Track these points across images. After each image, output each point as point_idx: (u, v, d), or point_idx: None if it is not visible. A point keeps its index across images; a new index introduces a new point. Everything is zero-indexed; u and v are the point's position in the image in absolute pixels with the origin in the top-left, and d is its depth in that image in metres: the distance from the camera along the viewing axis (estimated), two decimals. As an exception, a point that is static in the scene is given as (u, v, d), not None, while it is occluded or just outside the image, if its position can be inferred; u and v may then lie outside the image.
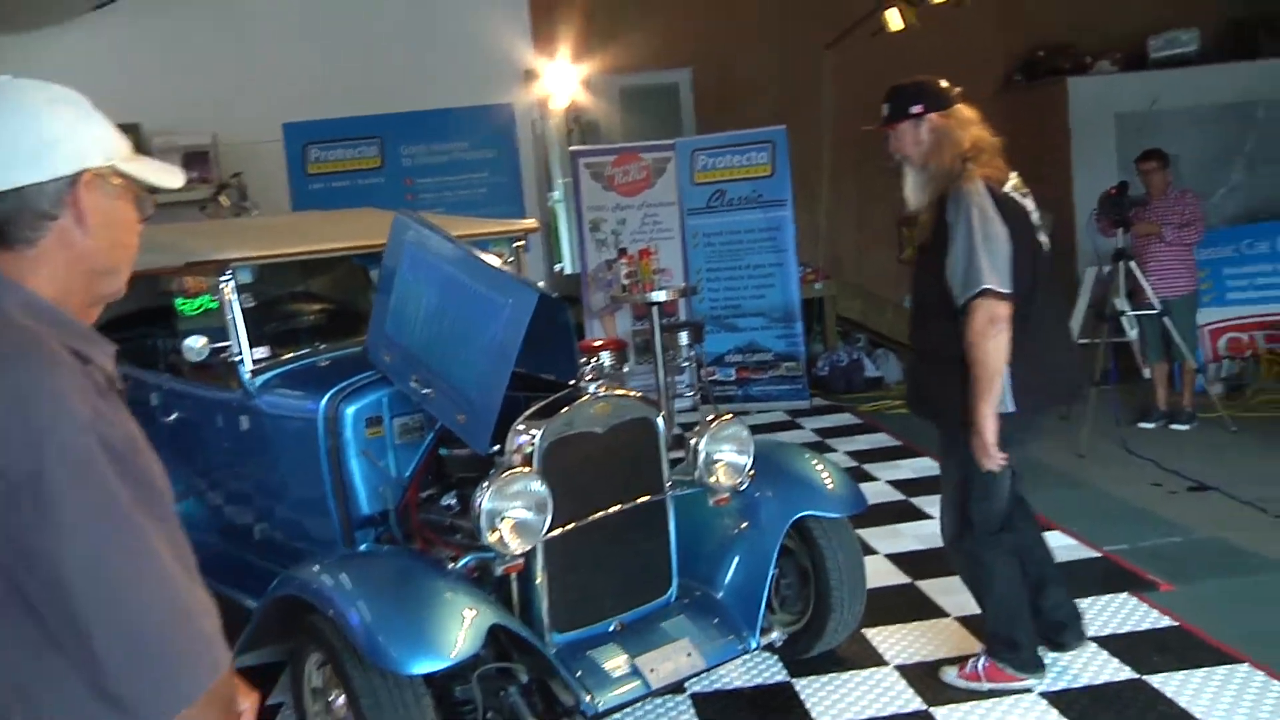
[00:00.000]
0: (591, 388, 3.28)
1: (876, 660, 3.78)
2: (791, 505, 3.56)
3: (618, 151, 8.45)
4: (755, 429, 7.35)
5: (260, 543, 4.09)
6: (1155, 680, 3.47)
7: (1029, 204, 3.32)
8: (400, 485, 3.63)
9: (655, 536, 3.46)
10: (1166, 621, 3.90)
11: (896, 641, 3.92)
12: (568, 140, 9.31)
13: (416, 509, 3.57)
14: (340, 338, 4.21)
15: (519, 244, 4.55)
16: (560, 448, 3.20)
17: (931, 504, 5.01)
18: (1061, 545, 4.75)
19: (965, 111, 3.32)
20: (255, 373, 3.86)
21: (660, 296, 6.99)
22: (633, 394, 3.46)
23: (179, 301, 4.91)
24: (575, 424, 3.24)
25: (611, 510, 3.34)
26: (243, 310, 3.88)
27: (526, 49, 8.61)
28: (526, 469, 3.07)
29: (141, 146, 7.85)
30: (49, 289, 1.31)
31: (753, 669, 3.77)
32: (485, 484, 2.98)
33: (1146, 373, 6.92)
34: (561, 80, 8.89)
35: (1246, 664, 3.54)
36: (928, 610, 4.16)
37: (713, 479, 3.50)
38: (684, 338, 7.29)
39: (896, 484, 5.87)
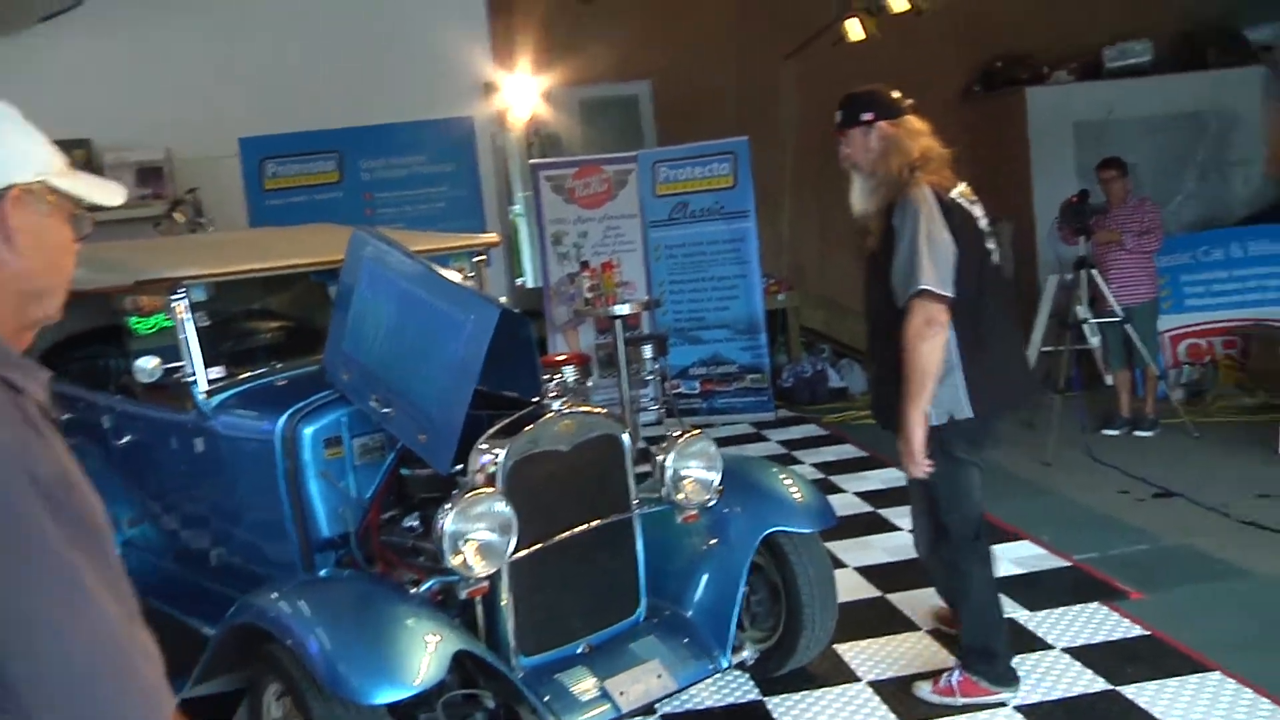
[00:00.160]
0: (556, 405, 3.22)
1: (849, 676, 3.73)
2: (761, 521, 3.51)
3: (579, 164, 8.40)
4: (721, 441, 7.29)
5: (218, 568, 3.97)
6: (1128, 691, 3.44)
7: (977, 211, 3.34)
8: (361, 507, 3.54)
9: (623, 555, 3.39)
10: (1138, 631, 3.88)
11: (869, 657, 3.87)
12: (528, 153, 9.24)
13: (378, 531, 3.48)
14: (299, 356, 4.11)
15: (480, 259, 4.47)
16: (524, 467, 3.13)
17: (900, 515, 4.99)
18: (1031, 555, 4.74)
19: (915, 122, 3.35)
20: (210, 393, 3.75)
21: (623, 310, 6.93)
22: (598, 410, 3.40)
23: (133, 320, 4.79)
24: (540, 442, 3.17)
25: (578, 530, 3.27)
26: (197, 329, 3.78)
27: (485, 61, 8.52)
28: (490, 489, 3.00)
29: (93, 162, 7.71)
30: (-25, 313, 1.23)
31: (724, 688, 3.71)
32: (448, 505, 2.91)
33: (1109, 380, 6.95)
34: (521, 93, 8.82)
35: (1218, 672, 3.52)
36: (899, 624, 4.12)
37: (680, 496, 3.44)
38: (648, 351, 7.23)
39: (864, 495, 5.84)
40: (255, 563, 3.78)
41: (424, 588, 3.02)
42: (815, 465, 6.62)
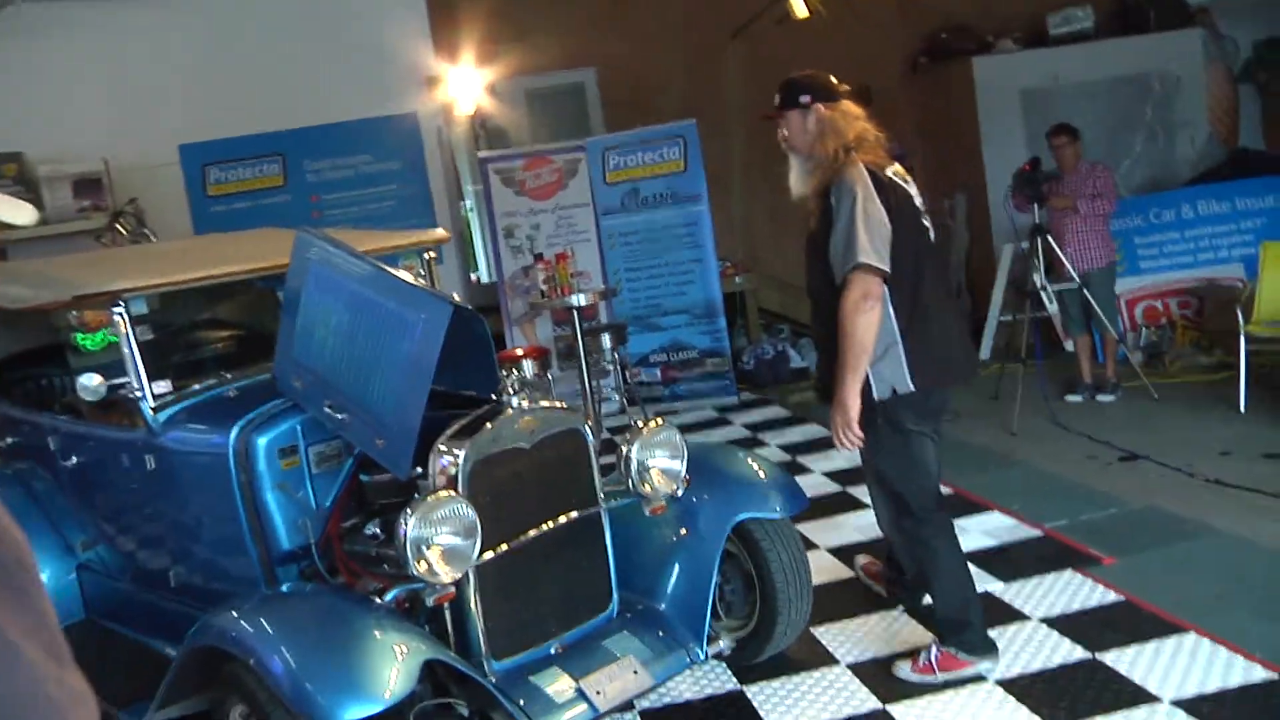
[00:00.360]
0: (514, 401, 3.14)
1: (828, 660, 3.69)
2: (730, 509, 3.45)
3: (527, 155, 8.29)
4: (685, 428, 7.22)
5: (177, 587, 3.87)
6: (1107, 658, 3.43)
7: (912, 189, 3.40)
8: (321, 517, 3.45)
9: (592, 552, 3.33)
10: (1112, 596, 3.87)
11: (846, 638, 3.83)
12: (475, 147, 9.12)
13: (340, 540, 3.39)
14: (250, 365, 3.99)
15: (430, 255, 4.37)
16: (486, 467, 3.05)
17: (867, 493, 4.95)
18: (1001, 525, 4.73)
19: (851, 106, 3.43)
20: (158, 408, 3.63)
21: (579, 300, 6.85)
22: (558, 405, 3.32)
23: (79, 336, 4.65)
24: (500, 441, 3.10)
25: (544, 528, 3.20)
26: (141, 342, 3.65)
27: (428, 55, 8.40)
28: (451, 492, 2.92)
29: (27, 176, 7.51)
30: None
31: (702, 679, 3.65)
32: (408, 511, 2.82)
33: (1069, 346, 6.97)
34: (465, 85, 8.70)
35: (1192, 632, 3.52)
36: (875, 603, 4.08)
37: (647, 488, 3.38)
38: (606, 340, 7.15)
39: (832, 475, 5.80)
40: (216, 580, 3.68)
41: (389, 597, 2.93)
42: (781, 447, 6.59)
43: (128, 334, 3.59)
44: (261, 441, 3.40)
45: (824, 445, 6.47)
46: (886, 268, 3.18)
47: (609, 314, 8.05)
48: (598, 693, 3.03)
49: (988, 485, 5.28)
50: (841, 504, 5.29)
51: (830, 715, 3.33)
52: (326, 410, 3.31)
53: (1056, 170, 6.88)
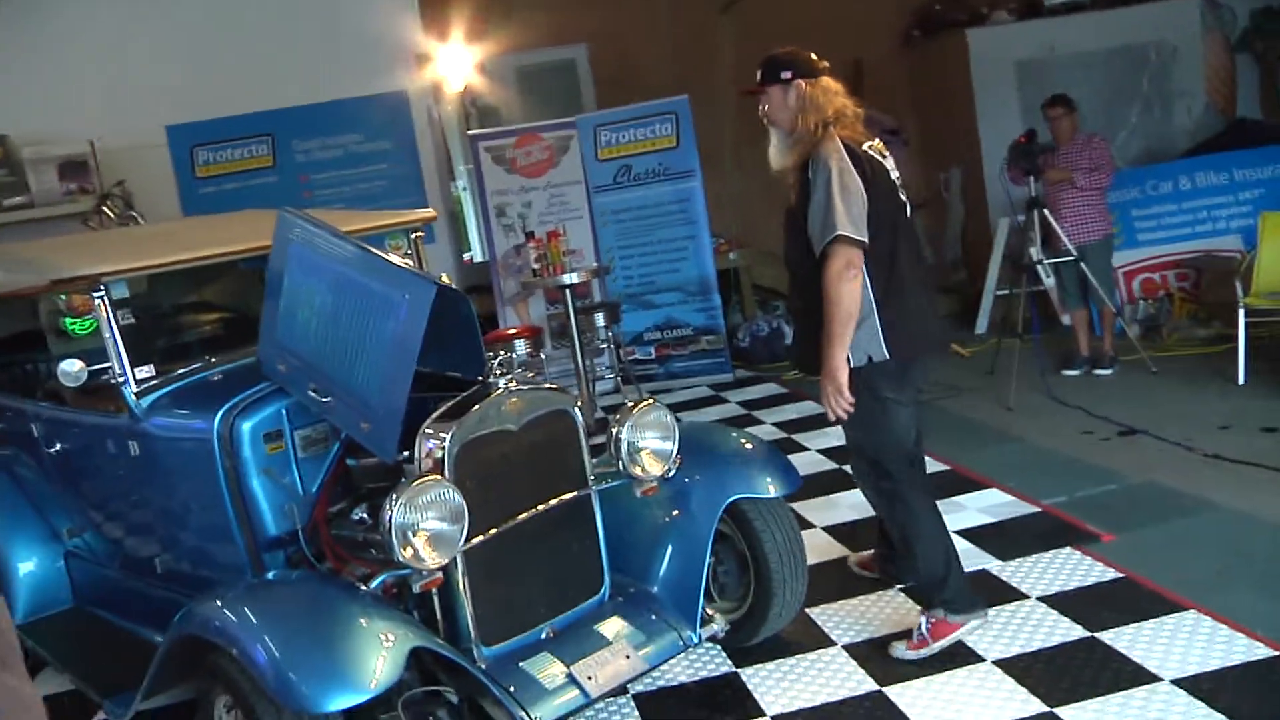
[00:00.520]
0: (501, 383, 3.08)
1: (823, 641, 3.64)
2: (722, 489, 3.39)
3: (518, 133, 8.20)
4: (679, 406, 7.31)
5: (164, 574, 3.82)
6: (1106, 636, 3.38)
7: (889, 163, 3.48)
8: (308, 502, 3.39)
9: (582, 534, 3.27)
10: (1111, 574, 3.82)
11: (842, 619, 3.78)
12: (466, 125, 9.03)
13: (327, 525, 3.34)
14: (236, 348, 3.93)
15: (417, 235, 4.30)
16: (473, 449, 2.99)
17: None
18: (999, 502, 4.68)
19: (831, 82, 3.51)
20: (141, 394, 3.57)
21: (572, 279, 6.78)
22: (546, 385, 3.26)
23: (68, 321, 4.59)
24: (487, 422, 3.03)
25: (534, 511, 3.14)
26: (125, 326, 3.58)
27: (416, 32, 8.29)
28: (438, 476, 2.86)
29: (11, 159, 7.42)
30: None
31: (696, 662, 3.61)
32: (393, 496, 2.76)
33: (1066, 320, 6.92)
34: (455, 62, 8.60)
35: (1193, 610, 3.47)
36: (871, 583, 4.03)
37: (637, 469, 3.32)
38: (600, 319, 7.09)
39: (827, 452, 5.75)
40: (202, 567, 3.63)
41: (375, 583, 2.88)
42: (776, 424, 6.53)
43: (108, 318, 3.53)
44: (246, 426, 3.34)
45: (819, 423, 6.41)
46: (865, 239, 3.27)
47: (602, 292, 7.99)
48: (589, 678, 2.98)
49: (984, 462, 5.23)
50: (837, 482, 5.24)
51: (826, 697, 3.29)
52: (311, 394, 3.25)
53: (1052, 142, 6.80)
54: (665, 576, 3.36)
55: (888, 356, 3.36)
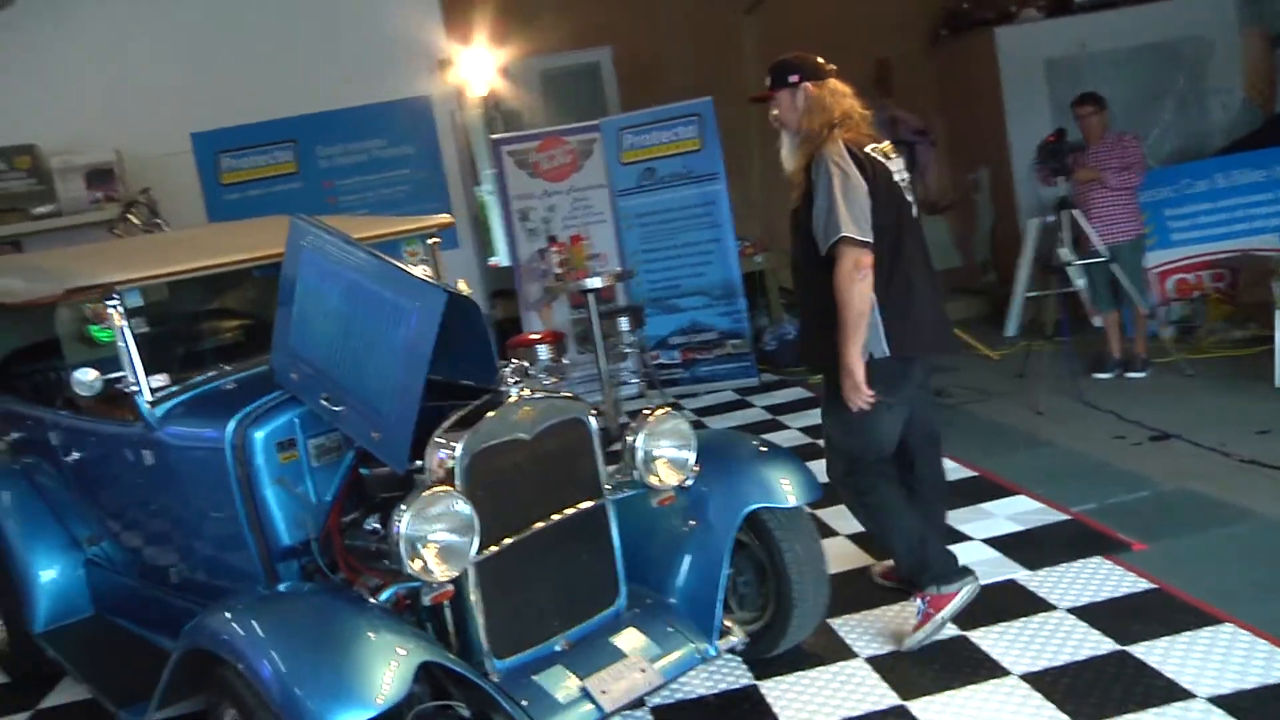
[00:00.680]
0: (513, 391, 3.02)
1: (845, 653, 3.56)
2: (740, 499, 3.32)
3: (541, 136, 8.16)
4: (704, 410, 7.24)
5: (180, 583, 3.80)
6: (1138, 650, 3.28)
7: (893, 165, 3.53)
8: (322, 511, 3.35)
9: (597, 545, 3.21)
10: (1143, 584, 3.72)
11: (865, 630, 3.70)
12: (489, 129, 9.00)
13: (340, 535, 3.30)
14: (257, 355, 3.90)
15: (433, 240, 4.26)
16: (485, 459, 2.94)
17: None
18: (1027, 510, 4.58)
19: (838, 85, 3.61)
20: (155, 402, 3.55)
21: (594, 283, 6.73)
22: (560, 393, 3.20)
23: (93, 329, 4.59)
24: (499, 432, 2.98)
25: (547, 521, 3.08)
26: (141, 334, 3.57)
27: (439, 37, 8.27)
28: (448, 487, 2.80)
29: (40, 168, 7.46)
30: None
31: (715, 673, 3.54)
32: (402, 507, 2.72)
33: (1097, 322, 6.78)
34: (478, 67, 8.57)
35: (1230, 623, 3.36)
36: (895, 592, 3.94)
37: (653, 478, 3.26)
38: (623, 323, 7.03)
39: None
40: (216, 576, 3.60)
41: (385, 596, 2.83)
42: (801, 430, 6.45)
43: (123, 327, 3.51)
44: (259, 435, 3.31)
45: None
46: (868, 239, 3.35)
47: (626, 296, 7.93)
48: (603, 692, 2.92)
49: (1013, 467, 5.13)
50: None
51: (848, 711, 3.21)
52: (323, 403, 3.21)
53: (1082, 141, 6.68)
54: (682, 587, 3.29)
55: (888, 354, 3.45)
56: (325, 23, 8.01)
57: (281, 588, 3.21)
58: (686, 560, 3.31)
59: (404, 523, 2.70)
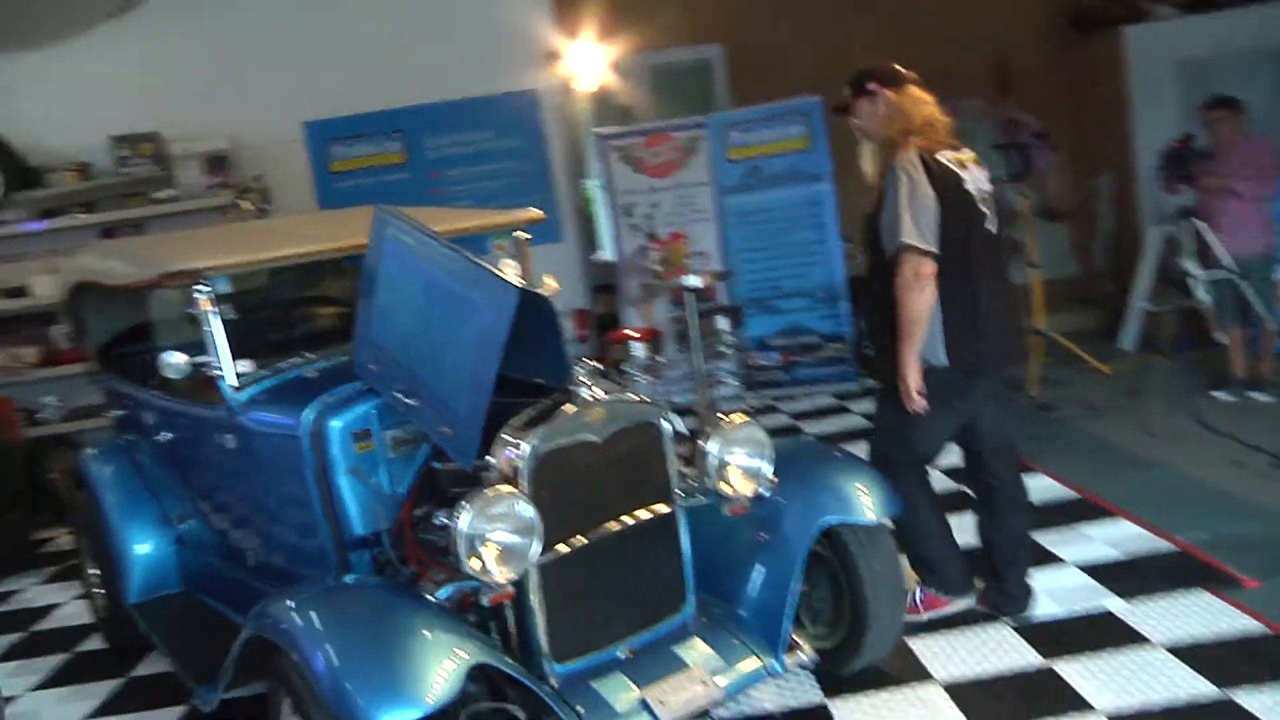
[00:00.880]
0: (584, 391, 2.96)
1: (922, 675, 3.42)
2: (817, 512, 3.20)
3: (648, 132, 8.09)
4: (801, 414, 7.08)
5: (256, 566, 3.86)
6: (1240, 696, 3.06)
7: (969, 175, 3.49)
8: (395, 503, 3.36)
9: (666, 552, 3.13)
10: (1253, 625, 3.47)
11: (942, 652, 3.54)
12: (598, 124, 8.98)
13: (412, 528, 3.29)
14: (341, 344, 3.94)
15: (522, 235, 4.23)
16: (553, 459, 2.88)
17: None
18: (1129, 535, 4.34)
19: (918, 92, 3.60)
20: (239, 387, 3.60)
21: (693, 281, 6.62)
22: (633, 396, 3.12)
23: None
24: (568, 432, 2.92)
25: (615, 526, 3.02)
26: (230, 320, 3.62)
27: (548, 30, 8.28)
28: (510, 487, 2.76)
29: (161, 154, 7.71)
30: None
31: (784, 688, 3.43)
32: (463, 504, 2.68)
33: (1220, 338, 6.41)
34: (587, 61, 8.55)
35: (1348, 673, 3.12)
36: (980, 616, 3.78)
37: (725, 486, 3.16)
38: (722, 322, 6.92)
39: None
40: (290, 561, 3.65)
41: (443, 594, 2.81)
42: (899, 439, 6.25)
43: (210, 312, 3.56)
44: (335, 424, 3.33)
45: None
46: (931, 248, 3.33)
47: (728, 295, 7.82)
48: (660, 703, 2.84)
49: (1119, 490, 4.87)
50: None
51: (920, 739, 3.08)
52: (397, 395, 3.20)
53: (1211, 148, 6.32)
54: (752, 600, 3.20)
55: (947, 363, 3.45)
56: (435, 15, 8.09)
57: (348, 579, 3.21)
58: (757, 572, 3.21)
59: (464, 520, 2.66)
